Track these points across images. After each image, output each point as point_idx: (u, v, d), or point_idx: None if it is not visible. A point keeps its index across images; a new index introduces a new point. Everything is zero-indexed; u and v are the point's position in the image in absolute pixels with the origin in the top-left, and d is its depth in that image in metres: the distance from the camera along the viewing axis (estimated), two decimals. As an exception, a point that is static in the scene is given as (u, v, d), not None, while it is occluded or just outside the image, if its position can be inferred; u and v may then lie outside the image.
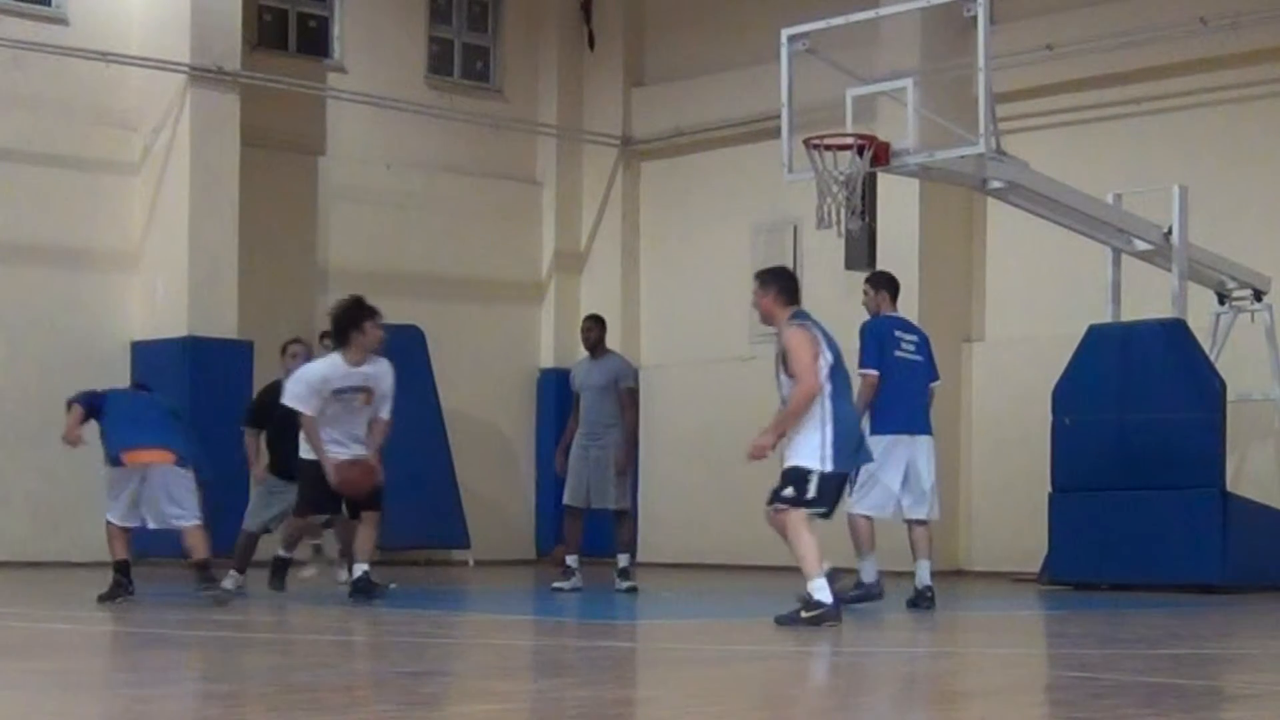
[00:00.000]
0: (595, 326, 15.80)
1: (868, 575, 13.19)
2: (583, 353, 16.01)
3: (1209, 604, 14.42)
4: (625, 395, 15.37)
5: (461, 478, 21.23)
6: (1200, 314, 16.95)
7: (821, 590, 11.09)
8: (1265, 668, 9.63)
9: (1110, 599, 15.21)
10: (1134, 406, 16.22)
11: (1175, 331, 16.23)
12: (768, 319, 11.64)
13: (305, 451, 13.73)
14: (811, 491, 11.17)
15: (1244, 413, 17.03)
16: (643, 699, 7.80)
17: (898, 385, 13.30)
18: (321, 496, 13.73)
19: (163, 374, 17.82)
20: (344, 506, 13.86)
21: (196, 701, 7.42)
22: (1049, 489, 16.81)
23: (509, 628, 12.04)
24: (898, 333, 13.52)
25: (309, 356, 15.16)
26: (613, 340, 17.41)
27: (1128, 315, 16.75)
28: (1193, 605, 14.22)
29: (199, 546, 13.34)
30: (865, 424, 12.87)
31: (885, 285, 13.76)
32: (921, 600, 13.17)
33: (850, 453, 11.40)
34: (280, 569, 14.94)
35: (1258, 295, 17.25)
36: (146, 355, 19.57)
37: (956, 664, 9.79)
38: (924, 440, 13.39)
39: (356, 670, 9.05)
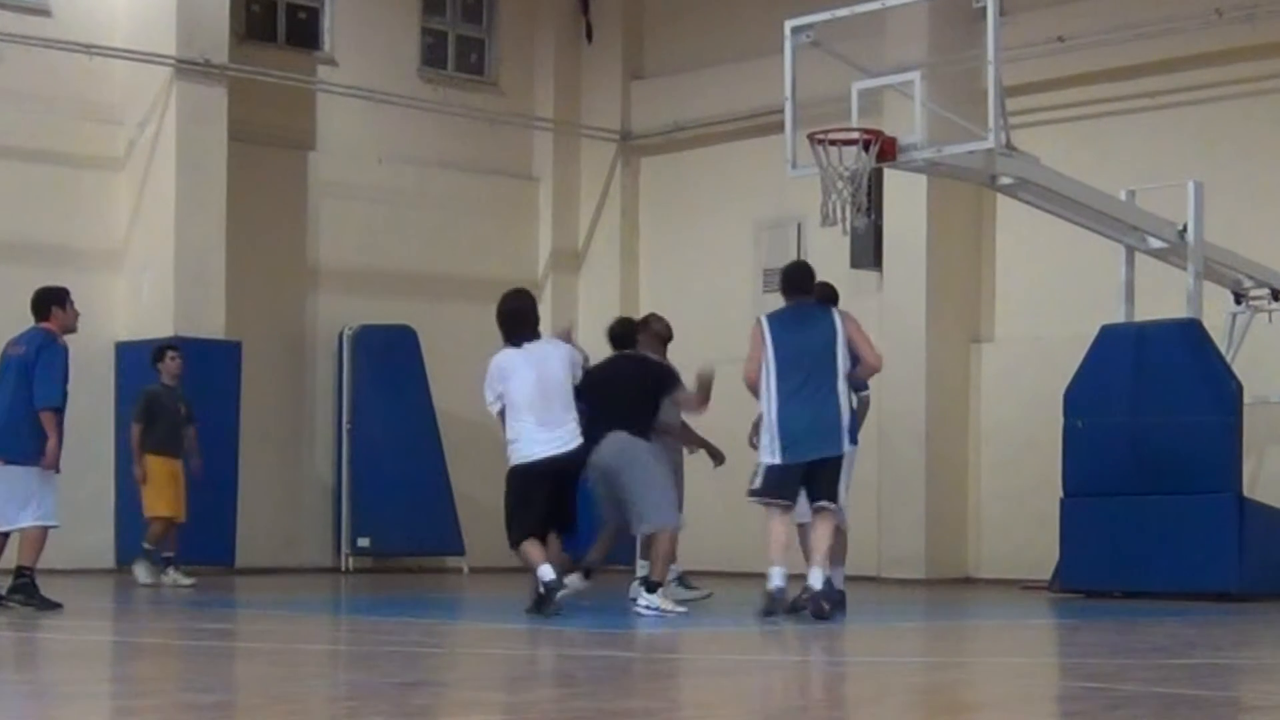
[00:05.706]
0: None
1: (835, 581, 13.19)
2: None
3: (1225, 612, 14.46)
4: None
5: (455, 482, 21.02)
6: (1216, 314, 16.90)
7: (772, 578, 12.32)
8: (1283, 678, 9.73)
9: (1123, 607, 15.23)
10: (1148, 409, 16.19)
11: (1190, 332, 16.19)
12: None
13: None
14: (757, 482, 12.56)
15: (1261, 415, 16.98)
16: (641, 710, 7.69)
17: None
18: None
19: (149, 376, 17.54)
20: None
21: (183, 712, 7.42)
22: (1060, 494, 16.76)
23: (504, 637, 11.98)
24: None
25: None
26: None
27: (1141, 315, 16.70)
28: (1208, 613, 14.24)
29: (22, 550, 13.11)
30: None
31: (824, 297, 13.70)
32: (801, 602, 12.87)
33: (786, 447, 12.48)
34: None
35: (1275, 294, 17.20)
36: (132, 356, 19.29)
37: (965, 674, 9.86)
38: None
39: (346, 680, 9.00)
